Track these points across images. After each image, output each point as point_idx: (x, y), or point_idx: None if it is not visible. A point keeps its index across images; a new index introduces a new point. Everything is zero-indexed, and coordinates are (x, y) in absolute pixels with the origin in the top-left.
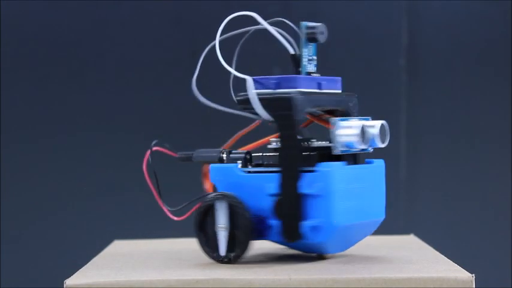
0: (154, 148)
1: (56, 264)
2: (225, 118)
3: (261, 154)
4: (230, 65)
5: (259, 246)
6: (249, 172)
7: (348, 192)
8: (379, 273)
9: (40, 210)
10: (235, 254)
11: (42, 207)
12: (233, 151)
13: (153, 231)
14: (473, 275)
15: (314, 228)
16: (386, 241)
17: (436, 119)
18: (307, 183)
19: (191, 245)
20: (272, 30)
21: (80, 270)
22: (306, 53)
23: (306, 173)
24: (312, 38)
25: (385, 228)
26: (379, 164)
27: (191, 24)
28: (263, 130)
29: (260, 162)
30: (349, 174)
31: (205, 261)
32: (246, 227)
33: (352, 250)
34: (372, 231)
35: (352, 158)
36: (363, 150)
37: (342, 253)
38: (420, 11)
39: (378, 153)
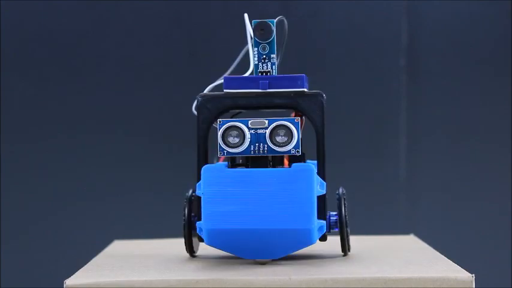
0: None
1: (56, 264)
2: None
3: None
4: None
5: None
6: None
7: (232, 195)
8: (379, 273)
9: (40, 210)
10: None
11: (42, 207)
12: None
13: (153, 231)
14: (473, 275)
15: (201, 230)
16: (386, 241)
17: (436, 119)
18: (199, 185)
19: None
20: (248, 29)
21: (80, 270)
22: (256, 52)
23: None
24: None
25: (385, 228)
26: (302, 168)
27: (191, 24)
28: None
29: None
30: (231, 177)
31: (205, 261)
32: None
33: (352, 250)
34: (303, 244)
35: (265, 160)
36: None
37: (342, 253)
38: (420, 11)
39: (377, 152)
